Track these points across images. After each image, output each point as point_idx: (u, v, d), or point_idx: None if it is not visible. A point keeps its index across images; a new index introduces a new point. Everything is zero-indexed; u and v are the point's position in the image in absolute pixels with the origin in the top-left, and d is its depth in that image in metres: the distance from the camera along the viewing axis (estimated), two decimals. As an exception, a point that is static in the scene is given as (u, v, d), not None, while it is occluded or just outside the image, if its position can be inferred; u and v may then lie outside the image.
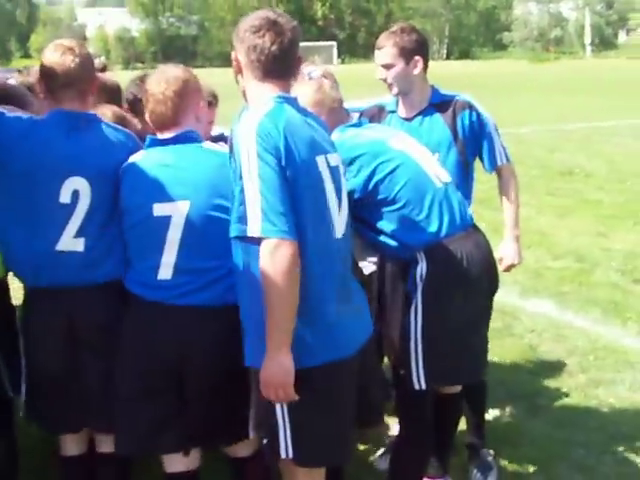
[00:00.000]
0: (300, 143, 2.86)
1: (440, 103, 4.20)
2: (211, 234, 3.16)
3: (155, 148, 3.33)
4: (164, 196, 3.22)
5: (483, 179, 4.48)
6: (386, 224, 3.52)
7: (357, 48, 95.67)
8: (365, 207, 3.51)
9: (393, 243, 3.55)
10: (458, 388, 3.97)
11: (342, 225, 3.05)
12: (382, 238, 3.57)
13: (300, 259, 2.78)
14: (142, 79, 4.12)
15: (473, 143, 4.18)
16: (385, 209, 3.51)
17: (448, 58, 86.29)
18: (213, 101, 4.17)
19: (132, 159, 3.35)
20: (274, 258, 2.71)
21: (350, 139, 3.57)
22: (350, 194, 3.33)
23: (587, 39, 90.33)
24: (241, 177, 2.79)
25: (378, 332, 3.69)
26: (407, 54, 4.09)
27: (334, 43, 62.18)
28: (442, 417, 3.93)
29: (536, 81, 40.22)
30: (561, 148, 16.69)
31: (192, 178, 3.23)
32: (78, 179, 3.29)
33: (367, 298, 3.39)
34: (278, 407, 2.95)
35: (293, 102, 3.02)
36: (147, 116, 3.37)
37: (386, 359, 4.11)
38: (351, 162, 3.46)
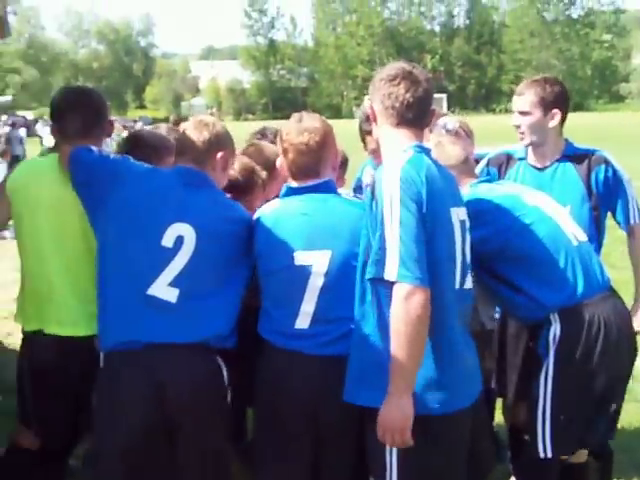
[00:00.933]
0: (439, 193, 2.93)
1: (574, 155, 4.09)
2: (351, 284, 3.09)
3: (292, 197, 3.33)
4: (306, 245, 3.21)
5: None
6: (520, 280, 3.43)
7: (467, 100, 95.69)
8: (498, 261, 3.42)
9: (526, 301, 3.44)
10: (584, 457, 3.69)
11: (463, 277, 3.07)
12: (514, 295, 3.47)
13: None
14: (263, 133, 4.33)
15: (607, 199, 4.06)
16: (519, 265, 3.42)
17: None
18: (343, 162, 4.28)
19: (269, 207, 3.38)
20: (408, 304, 2.77)
21: (484, 193, 3.53)
22: (483, 247, 3.32)
23: None
24: (382, 222, 2.83)
25: (488, 391, 3.64)
26: (546, 105, 4.01)
27: (444, 95, 62.18)
28: None
29: (658, 134, 39.14)
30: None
31: (333, 227, 3.22)
32: (185, 225, 3.22)
33: (482, 353, 3.34)
34: (387, 451, 2.96)
35: (429, 153, 3.10)
36: (286, 165, 3.34)
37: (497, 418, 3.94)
38: (485, 215, 3.41)
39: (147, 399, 3.11)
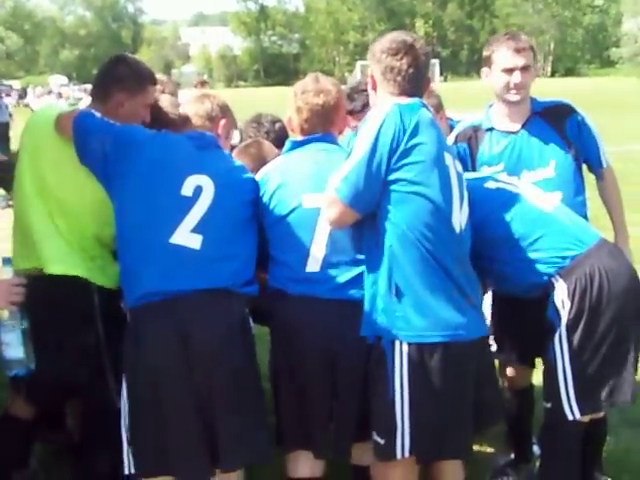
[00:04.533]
0: (431, 132, 3.14)
1: (543, 111, 4.01)
2: (360, 228, 3.23)
3: (296, 149, 3.50)
4: (313, 187, 3.32)
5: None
6: (510, 258, 3.50)
7: (459, 66, 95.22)
8: (481, 246, 3.43)
9: (523, 274, 3.49)
10: (602, 412, 3.74)
11: (461, 222, 3.21)
12: (511, 271, 3.53)
13: (413, 239, 3.07)
14: (258, 122, 4.35)
15: (581, 147, 4.00)
16: (502, 246, 3.49)
17: (553, 75, 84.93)
18: None
19: (273, 163, 3.54)
20: (327, 211, 3.17)
21: None
22: None
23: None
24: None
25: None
26: (536, 59, 3.99)
27: (436, 60, 61.74)
28: (589, 447, 3.74)
29: (647, 98, 39.01)
30: (674, 166, 15.92)
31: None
32: (203, 177, 3.30)
33: None
34: (398, 410, 3.11)
35: (429, 108, 3.27)
36: (297, 122, 3.50)
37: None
38: None
39: (172, 347, 3.11)
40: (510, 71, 3.89)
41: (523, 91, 3.92)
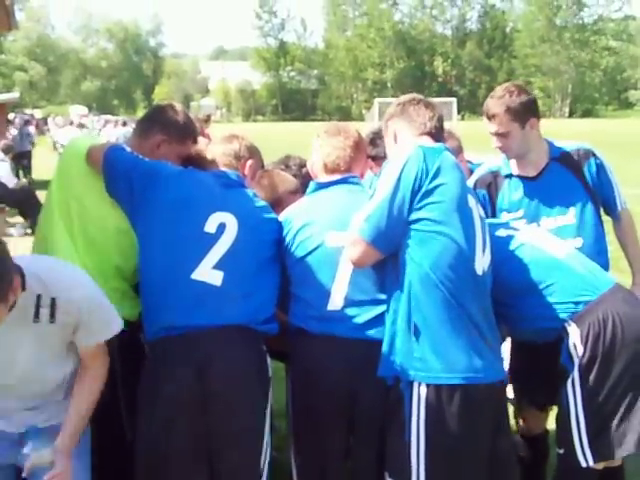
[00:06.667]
0: (453, 174, 3.16)
1: (561, 156, 3.98)
2: (383, 267, 3.24)
3: (320, 191, 3.54)
4: (336, 226, 3.34)
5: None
6: (523, 305, 3.47)
7: (477, 105, 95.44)
8: (501, 290, 3.40)
9: (539, 321, 3.47)
10: (619, 461, 3.66)
11: (484, 265, 3.21)
12: (528, 318, 3.50)
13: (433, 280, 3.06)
14: (286, 164, 4.38)
15: (599, 190, 3.99)
16: (516, 293, 3.47)
17: (570, 116, 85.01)
18: None
19: (296, 204, 3.59)
20: (350, 250, 3.16)
21: None
22: None
23: None
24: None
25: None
26: (521, 117, 3.85)
27: (454, 99, 61.87)
28: None
29: (665, 140, 38.93)
30: (693, 209, 15.80)
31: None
32: (227, 214, 3.32)
33: None
34: (414, 452, 3.08)
35: (453, 152, 3.32)
36: (320, 159, 3.56)
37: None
38: None
39: (188, 382, 3.09)
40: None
41: (509, 153, 3.92)
